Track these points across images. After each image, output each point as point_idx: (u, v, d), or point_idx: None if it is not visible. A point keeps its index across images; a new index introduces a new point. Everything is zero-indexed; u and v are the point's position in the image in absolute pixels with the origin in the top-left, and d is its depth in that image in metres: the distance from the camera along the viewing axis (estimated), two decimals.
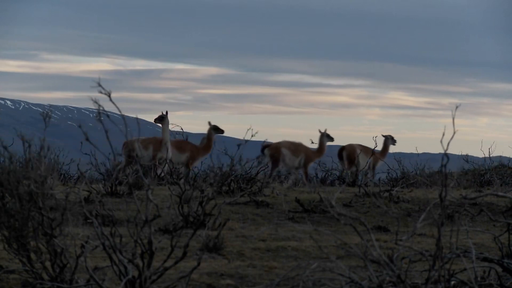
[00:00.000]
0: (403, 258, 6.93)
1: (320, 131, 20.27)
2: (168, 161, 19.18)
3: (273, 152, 19.78)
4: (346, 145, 20.70)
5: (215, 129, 19.47)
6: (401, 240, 6.85)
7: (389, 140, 21.30)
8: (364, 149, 20.72)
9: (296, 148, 19.94)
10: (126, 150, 19.20)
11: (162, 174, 18.57)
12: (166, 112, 19.61)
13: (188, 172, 19.05)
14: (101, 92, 6.66)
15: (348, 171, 20.46)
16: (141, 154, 19.03)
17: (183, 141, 19.64)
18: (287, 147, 19.86)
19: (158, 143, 19.32)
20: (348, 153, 20.52)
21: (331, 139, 20.39)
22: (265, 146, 19.87)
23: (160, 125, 19.59)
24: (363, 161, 20.44)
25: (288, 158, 19.79)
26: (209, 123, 19.48)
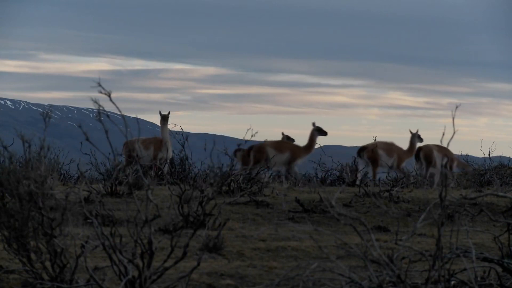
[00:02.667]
0: (403, 258, 6.93)
1: (411, 132, 20.46)
2: (168, 161, 19.24)
3: (371, 154, 19.96)
4: (423, 146, 20.85)
5: (318, 130, 19.69)
6: (401, 240, 6.85)
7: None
8: (440, 149, 20.93)
9: (390, 148, 20.18)
10: (126, 150, 19.27)
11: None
12: (168, 113, 19.70)
13: (293, 172, 19.28)
14: (101, 92, 6.66)
15: (425, 172, 20.63)
16: (141, 154, 19.08)
17: (283, 141, 19.90)
18: (382, 147, 20.06)
19: (159, 143, 19.38)
20: (425, 154, 20.70)
21: (421, 140, 20.58)
22: (362, 148, 20.07)
23: (160, 124, 19.63)
24: (440, 161, 20.67)
25: (383, 159, 20.01)
26: (313, 124, 19.78)
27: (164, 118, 19.58)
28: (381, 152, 19.99)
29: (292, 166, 19.36)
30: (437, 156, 20.75)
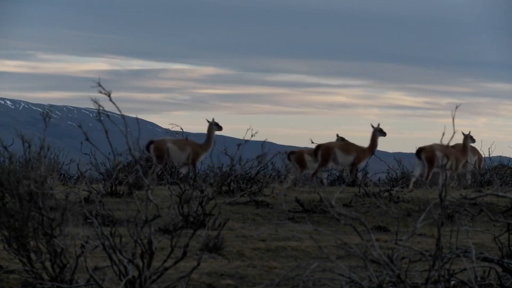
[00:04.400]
0: (403, 258, 6.93)
1: (463, 133, 20.69)
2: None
3: (429, 155, 20.19)
4: (455, 145, 21.08)
5: (380, 131, 20.26)
6: (401, 240, 6.85)
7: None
8: (471, 149, 21.18)
9: (448, 151, 20.34)
10: (156, 150, 19.12)
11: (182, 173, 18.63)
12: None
13: (356, 171, 19.93)
14: (101, 92, 6.67)
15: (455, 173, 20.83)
16: (175, 155, 19.06)
17: (349, 143, 20.33)
18: (440, 149, 20.29)
19: (197, 147, 19.40)
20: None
21: (474, 140, 20.82)
22: (420, 149, 20.32)
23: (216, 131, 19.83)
24: (470, 161, 20.97)
25: (441, 160, 20.22)
26: (378, 125, 20.37)
27: (219, 127, 19.77)
28: (438, 154, 20.22)
29: (356, 167, 19.87)
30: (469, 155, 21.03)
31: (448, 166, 20.18)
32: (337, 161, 19.92)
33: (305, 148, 21.35)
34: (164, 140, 19.17)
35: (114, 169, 17.35)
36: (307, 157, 20.62)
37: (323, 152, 19.89)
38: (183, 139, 19.67)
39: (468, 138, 20.64)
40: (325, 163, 19.84)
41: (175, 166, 18.76)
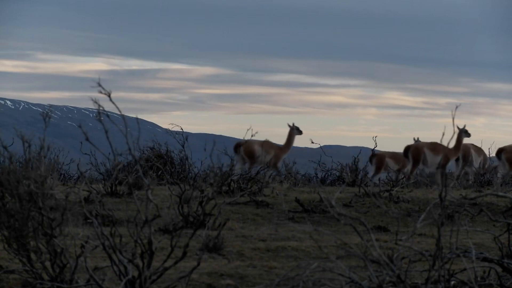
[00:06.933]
0: (403, 258, 6.93)
1: None
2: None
3: (509, 155, 20.61)
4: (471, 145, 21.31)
5: (465, 132, 20.64)
6: (401, 240, 6.85)
7: None
8: (477, 149, 21.40)
9: None
10: (245, 152, 19.66)
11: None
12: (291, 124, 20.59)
13: (444, 171, 20.06)
14: (100, 92, 6.67)
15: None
16: (263, 156, 19.72)
17: (438, 143, 20.73)
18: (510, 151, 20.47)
19: (278, 149, 20.10)
20: (464, 153, 21.14)
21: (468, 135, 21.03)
22: (500, 150, 20.52)
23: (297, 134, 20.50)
24: (477, 160, 21.20)
25: None
26: (464, 126, 20.61)
27: (299, 131, 20.43)
28: None
29: (443, 168, 20.22)
30: (474, 156, 21.20)
31: None
32: (426, 162, 20.27)
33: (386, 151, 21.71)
34: (252, 142, 19.87)
35: (114, 169, 17.34)
36: (388, 160, 20.97)
37: (414, 153, 20.28)
38: (266, 141, 20.28)
39: None
40: (417, 164, 20.25)
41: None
